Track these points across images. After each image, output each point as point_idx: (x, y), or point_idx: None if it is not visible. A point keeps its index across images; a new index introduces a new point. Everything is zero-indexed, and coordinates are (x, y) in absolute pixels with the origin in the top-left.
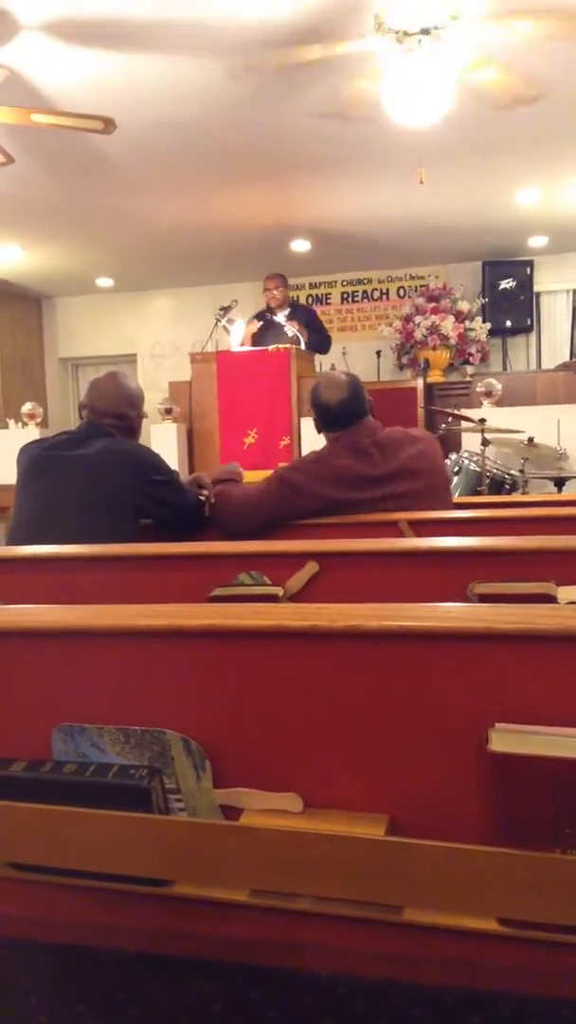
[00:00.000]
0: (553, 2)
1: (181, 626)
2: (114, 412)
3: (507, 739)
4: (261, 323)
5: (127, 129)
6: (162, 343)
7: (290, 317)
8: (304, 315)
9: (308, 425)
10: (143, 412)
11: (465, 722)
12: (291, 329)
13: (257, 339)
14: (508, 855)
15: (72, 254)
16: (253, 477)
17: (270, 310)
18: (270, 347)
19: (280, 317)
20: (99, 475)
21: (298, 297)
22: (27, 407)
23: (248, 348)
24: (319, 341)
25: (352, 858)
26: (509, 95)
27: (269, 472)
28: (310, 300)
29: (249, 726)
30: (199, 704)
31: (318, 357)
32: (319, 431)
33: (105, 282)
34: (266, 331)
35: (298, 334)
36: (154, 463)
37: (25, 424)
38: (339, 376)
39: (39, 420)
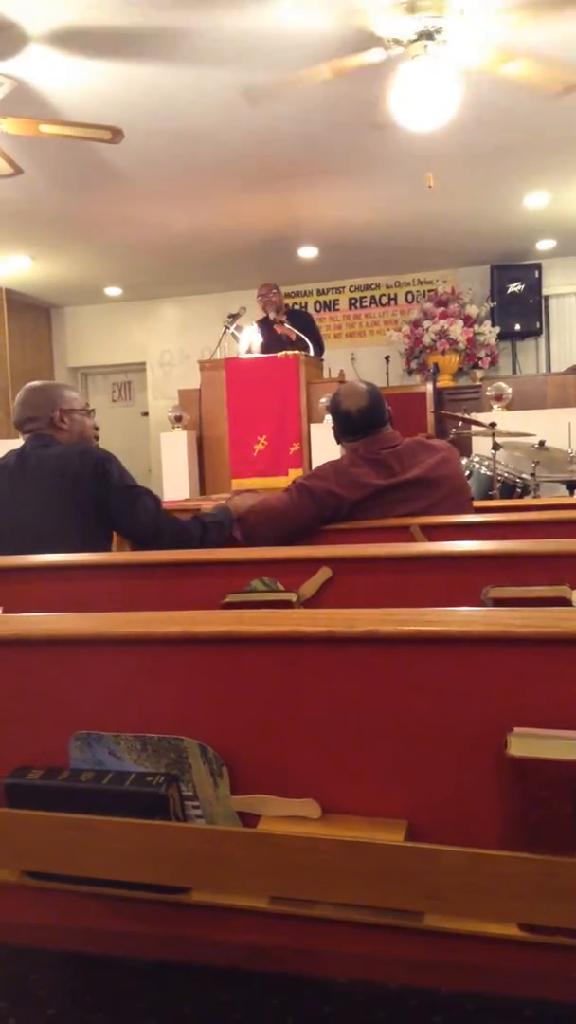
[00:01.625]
0: None
1: (196, 632)
2: (28, 416)
3: (526, 743)
4: (262, 337)
5: (134, 138)
6: (171, 351)
7: (285, 323)
8: (299, 320)
9: (318, 431)
10: (76, 409)
11: (483, 726)
12: (288, 339)
13: (264, 350)
14: (528, 860)
15: (80, 264)
16: (264, 484)
17: (267, 318)
18: (279, 353)
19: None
20: (57, 472)
21: (306, 304)
22: None
23: (256, 355)
24: (312, 346)
25: (371, 864)
26: (551, 81)
27: (280, 478)
28: (318, 306)
29: (266, 732)
30: (215, 710)
31: (326, 363)
32: (338, 441)
33: (114, 291)
34: (269, 341)
35: (301, 337)
36: (116, 467)
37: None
38: (359, 385)
39: None
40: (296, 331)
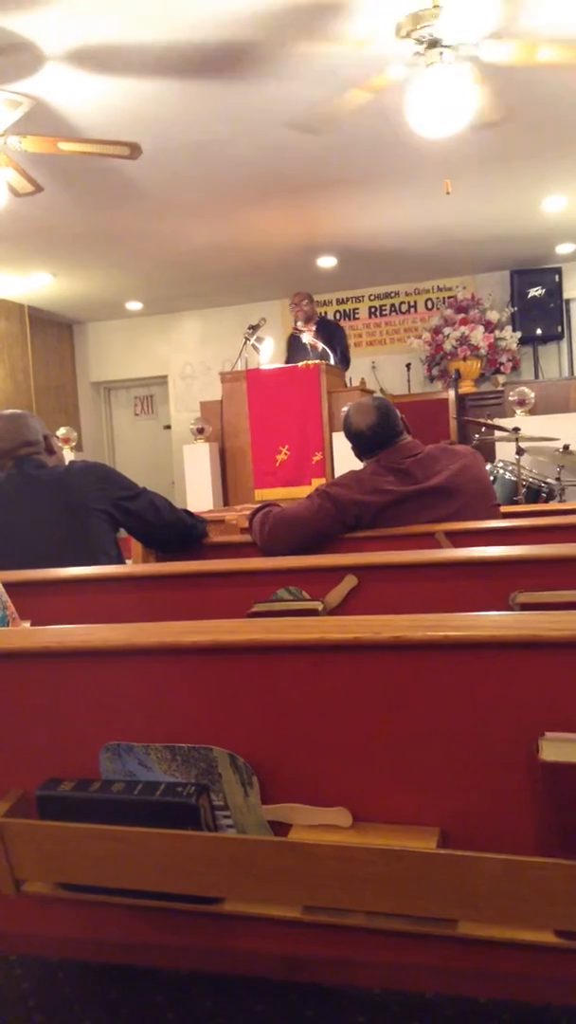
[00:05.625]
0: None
1: (224, 641)
2: (24, 441)
3: (558, 748)
4: (288, 349)
5: (152, 153)
6: (192, 364)
7: (316, 334)
8: (327, 331)
9: (340, 440)
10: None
11: (514, 731)
12: (314, 349)
13: (287, 360)
14: (564, 866)
15: (101, 279)
16: (287, 494)
17: (296, 328)
18: (299, 363)
19: (307, 336)
20: (62, 489)
21: (326, 313)
22: (62, 431)
23: (279, 365)
24: (336, 358)
25: (404, 872)
26: (484, 115)
27: (303, 488)
28: (338, 316)
29: (295, 740)
30: (245, 719)
31: (347, 372)
32: (360, 459)
33: (134, 305)
34: (295, 351)
35: (326, 349)
36: (115, 475)
37: (60, 448)
38: (367, 401)
39: (73, 444)
40: (320, 342)
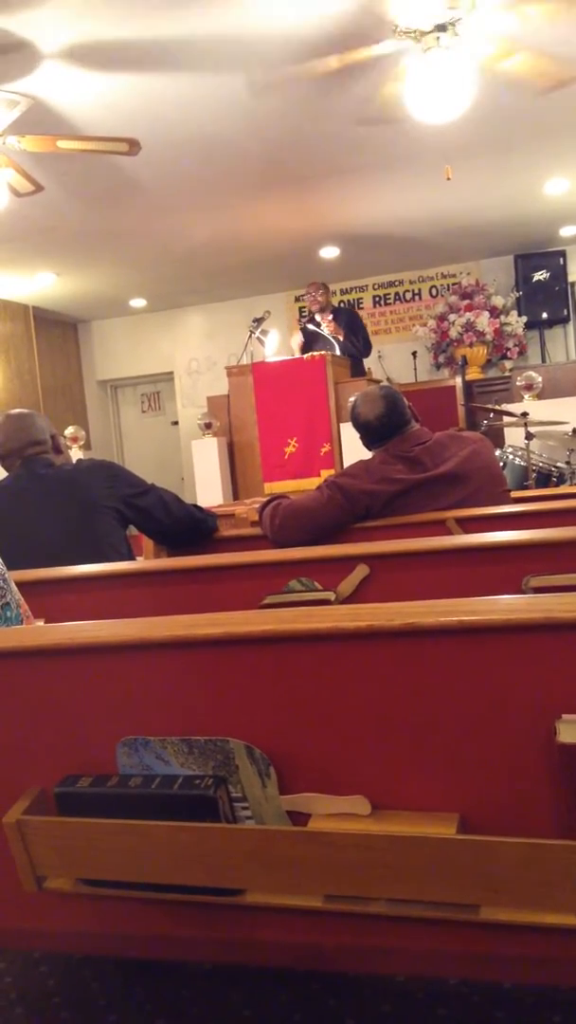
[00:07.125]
0: None
1: (237, 633)
2: (32, 440)
3: (575, 730)
4: (303, 337)
5: (151, 149)
6: (198, 359)
7: (333, 321)
8: (346, 318)
9: (348, 431)
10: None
11: (531, 715)
12: (330, 334)
13: (305, 349)
14: None
15: (104, 277)
16: (296, 486)
17: (312, 318)
18: (306, 355)
19: (323, 325)
20: (71, 488)
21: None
22: (70, 430)
23: (284, 357)
24: (359, 345)
25: (424, 858)
26: (548, 78)
27: (312, 480)
28: (342, 305)
29: (311, 730)
30: (260, 710)
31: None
32: (369, 448)
33: (138, 302)
34: (313, 341)
35: (334, 339)
36: (123, 472)
37: (69, 447)
38: (374, 391)
39: (82, 443)
40: (342, 331)
